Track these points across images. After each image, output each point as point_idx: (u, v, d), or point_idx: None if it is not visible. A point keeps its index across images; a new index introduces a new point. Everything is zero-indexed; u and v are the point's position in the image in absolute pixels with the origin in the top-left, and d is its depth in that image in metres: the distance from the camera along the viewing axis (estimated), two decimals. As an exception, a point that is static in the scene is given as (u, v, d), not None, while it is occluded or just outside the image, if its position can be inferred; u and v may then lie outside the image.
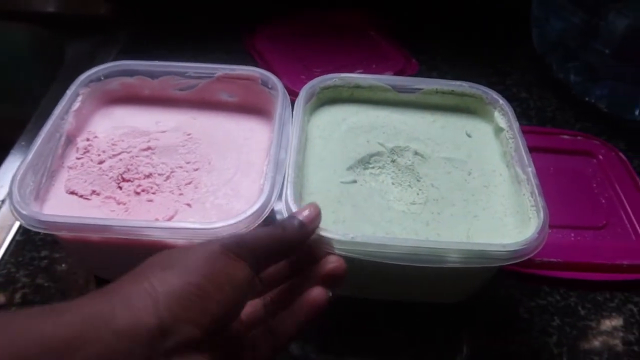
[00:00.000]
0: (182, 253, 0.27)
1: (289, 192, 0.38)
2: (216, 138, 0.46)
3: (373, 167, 0.44)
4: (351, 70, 0.66)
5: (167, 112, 0.48)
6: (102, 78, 0.47)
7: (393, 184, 0.43)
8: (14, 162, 0.55)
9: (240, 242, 0.28)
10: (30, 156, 0.39)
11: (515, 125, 0.45)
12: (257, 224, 0.37)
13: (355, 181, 0.42)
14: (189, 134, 0.46)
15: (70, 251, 0.44)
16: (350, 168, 0.43)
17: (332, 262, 0.32)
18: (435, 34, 0.76)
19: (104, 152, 0.44)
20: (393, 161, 0.45)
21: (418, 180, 0.43)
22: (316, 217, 0.33)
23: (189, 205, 0.41)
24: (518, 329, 0.43)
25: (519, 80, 0.70)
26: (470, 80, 0.49)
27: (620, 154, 0.59)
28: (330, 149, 0.45)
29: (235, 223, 0.36)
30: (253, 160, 0.45)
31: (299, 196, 0.40)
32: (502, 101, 0.47)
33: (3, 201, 0.51)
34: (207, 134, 0.47)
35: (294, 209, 0.36)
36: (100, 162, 0.43)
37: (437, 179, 0.43)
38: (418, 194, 0.42)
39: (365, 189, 0.42)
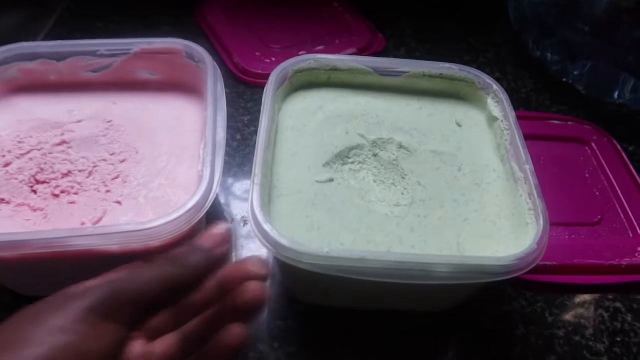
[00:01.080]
0: (33, 324, 0.22)
1: (255, 196, 0.33)
2: (142, 123, 0.41)
3: (353, 163, 0.39)
4: (313, 46, 0.61)
5: (81, 98, 0.42)
6: None
7: (375, 181, 0.39)
8: None
9: (113, 298, 0.23)
10: None
11: (512, 114, 0.40)
12: (200, 217, 0.32)
13: (332, 180, 0.38)
14: (109, 122, 0.40)
15: None
16: (327, 164, 0.38)
17: (249, 292, 0.26)
18: (403, 6, 0.70)
19: (9, 152, 0.37)
20: (375, 155, 0.40)
21: (403, 178, 0.39)
22: (224, 240, 0.27)
23: (118, 203, 0.35)
24: (506, 336, 0.40)
25: (493, 58, 0.66)
26: (441, 59, 0.44)
27: (614, 140, 0.55)
28: (304, 142, 0.39)
29: (175, 219, 0.31)
30: (187, 144, 0.39)
31: (267, 200, 0.35)
32: (496, 86, 0.42)
33: None
34: (130, 120, 0.41)
35: (260, 217, 0.32)
36: (6, 165, 0.37)
37: (424, 176, 0.39)
38: (403, 194, 0.38)
39: (343, 189, 0.37)
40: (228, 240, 0.27)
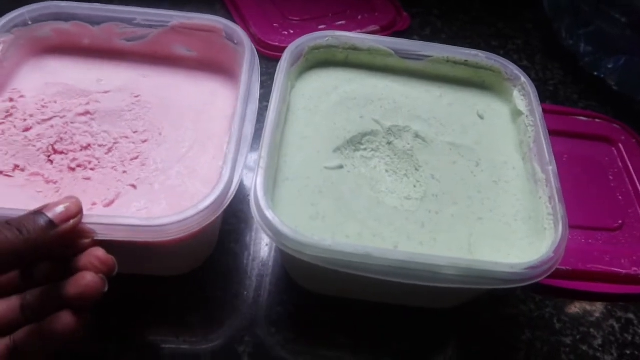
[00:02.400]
0: None
1: (258, 181, 0.31)
2: (170, 102, 0.39)
3: (365, 149, 0.37)
4: (333, 20, 0.59)
5: (112, 67, 0.40)
6: (30, 22, 0.39)
7: (387, 171, 0.37)
8: None
9: None
10: None
11: (538, 110, 0.38)
12: (212, 219, 0.30)
13: (341, 166, 0.36)
14: (137, 96, 0.39)
15: None
16: (337, 149, 0.36)
17: (83, 282, 0.26)
18: None
19: (31, 116, 0.36)
20: (389, 143, 0.38)
21: (417, 170, 0.37)
22: (75, 214, 0.27)
23: (133, 186, 0.34)
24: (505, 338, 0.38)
25: (522, 46, 0.62)
26: (467, 42, 0.41)
27: (644, 141, 0.52)
28: (316, 124, 0.37)
29: (185, 219, 0.29)
30: (213, 132, 0.37)
31: (272, 184, 0.33)
32: (524, 78, 0.40)
33: None
34: (159, 97, 0.39)
35: (263, 202, 0.30)
36: (27, 129, 0.35)
37: (439, 170, 0.37)
38: (415, 187, 0.36)
39: (353, 177, 0.35)
40: (75, 214, 0.27)
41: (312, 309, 0.38)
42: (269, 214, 0.30)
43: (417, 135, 0.38)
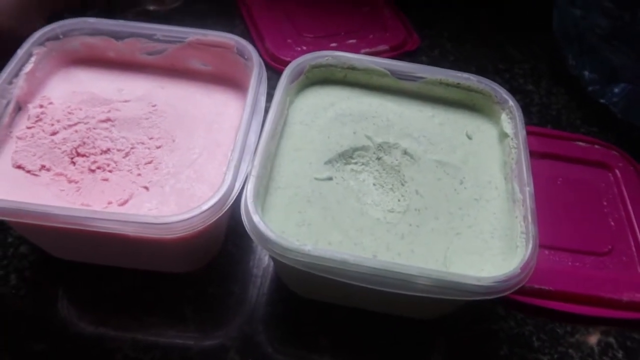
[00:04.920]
0: None
1: (249, 187, 0.34)
2: (184, 111, 0.42)
3: (356, 163, 0.40)
4: (345, 38, 0.61)
5: (133, 78, 0.44)
6: (61, 36, 0.42)
7: (374, 184, 0.39)
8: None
9: None
10: None
11: (522, 133, 0.39)
12: (214, 219, 0.33)
13: (331, 178, 0.38)
14: (154, 105, 0.42)
15: (19, 230, 0.41)
16: (328, 162, 0.39)
17: None
18: (444, 7, 0.69)
19: (58, 121, 0.39)
20: (379, 159, 0.40)
21: (402, 185, 0.39)
22: None
23: (146, 188, 0.37)
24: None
25: (528, 70, 0.63)
26: (475, 64, 0.43)
27: (641, 169, 0.53)
28: (310, 137, 0.40)
29: (189, 218, 0.32)
30: (221, 141, 0.40)
31: (263, 192, 0.36)
32: (512, 102, 0.41)
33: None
34: (174, 107, 0.42)
35: (251, 208, 0.33)
36: (53, 133, 0.39)
37: (424, 185, 0.39)
38: (399, 201, 0.38)
39: (341, 189, 0.38)
40: None
41: (301, 312, 0.40)
42: (255, 218, 0.32)
43: (405, 152, 0.40)
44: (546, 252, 0.45)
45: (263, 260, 0.43)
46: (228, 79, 0.44)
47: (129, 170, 0.38)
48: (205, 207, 0.33)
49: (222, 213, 0.33)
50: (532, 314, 0.42)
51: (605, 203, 0.50)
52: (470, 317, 0.41)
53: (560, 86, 0.62)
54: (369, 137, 0.41)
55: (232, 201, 0.34)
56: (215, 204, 0.33)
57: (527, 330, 0.41)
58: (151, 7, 0.64)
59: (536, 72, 0.63)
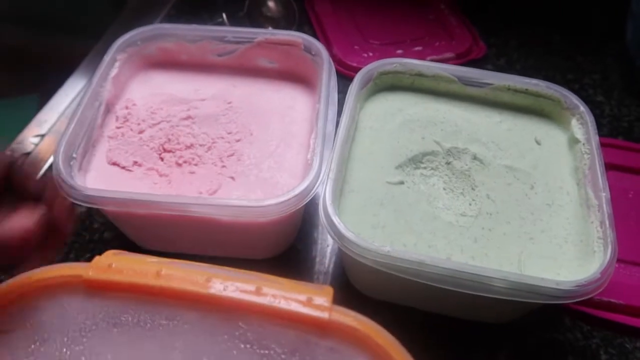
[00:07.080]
0: None
1: (327, 190, 0.35)
2: (257, 107, 0.44)
3: (425, 168, 0.41)
4: (411, 45, 0.61)
5: (206, 78, 0.46)
6: (139, 43, 0.46)
7: (444, 189, 0.40)
8: (63, 97, 0.57)
9: None
10: (71, 127, 0.38)
11: (595, 138, 0.39)
12: (305, 202, 0.35)
13: (402, 182, 0.39)
14: (229, 103, 0.44)
15: (113, 220, 0.44)
16: (399, 166, 0.40)
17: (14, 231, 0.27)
18: (511, 15, 0.68)
19: (143, 121, 0.43)
20: (448, 163, 0.41)
21: (473, 189, 0.39)
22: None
23: (232, 178, 0.39)
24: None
25: (599, 81, 0.61)
26: (542, 74, 0.43)
27: None
28: (381, 142, 0.41)
29: (284, 201, 0.34)
30: (296, 132, 0.42)
31: (339, 194, 0.37)
32: (583, 108, 0.41)
33: (43, 136, 0.52)
34: (247, 103, 0.45)
35: (330, 210, 0.34)
36: (141, 132, 0.42)
37: (495, 190, 0.39)
38: (470, 205, 0.39)
39: (412, 192, 0.39)
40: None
41: (363, 310, 0.41)
42: (335, 219, 0.34)
43: (475, 157, 0.41)
44: (616, 264, 0.44)
45: (324, 257, 0.45)
46: (294, 75, 0.47)
47: (213, 163, 0.40)
48: (297, 191, 0.35)
49: (311, 196, 0.35)
50: (598, 327, 0.41)
51: (678, 217, 0.49)
52: (536, 325, 0.41)
53: (633, 97, 0.60)
54: (437, 142, 0.42)
55: (320, 183, 0.36)
56: (307, 186, 0.35)
57: (594, 343, 0.41)
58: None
59: (607, 82, 0.61)
